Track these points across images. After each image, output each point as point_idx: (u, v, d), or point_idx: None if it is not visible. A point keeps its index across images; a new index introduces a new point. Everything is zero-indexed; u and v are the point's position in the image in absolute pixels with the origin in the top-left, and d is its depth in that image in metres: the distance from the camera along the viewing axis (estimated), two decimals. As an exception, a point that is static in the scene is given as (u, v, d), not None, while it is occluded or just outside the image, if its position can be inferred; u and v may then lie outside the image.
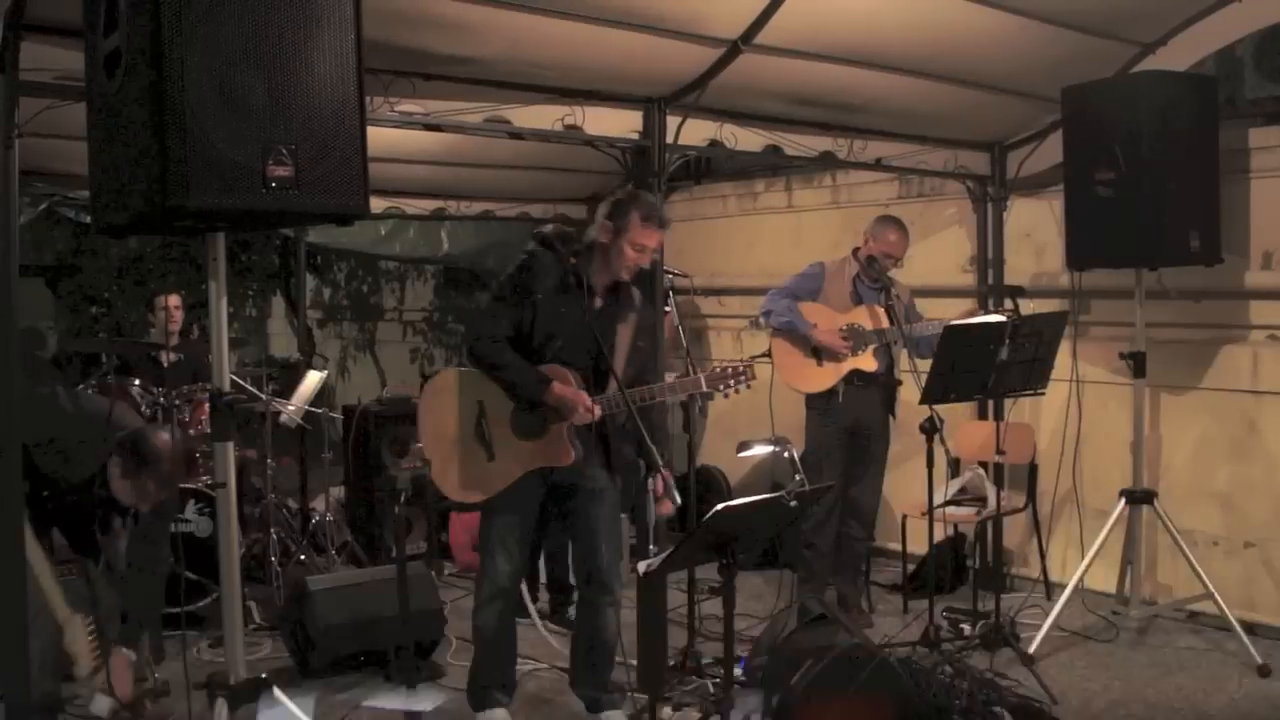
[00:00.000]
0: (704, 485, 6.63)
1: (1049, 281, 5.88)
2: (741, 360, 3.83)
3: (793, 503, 3.20)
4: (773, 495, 3.22)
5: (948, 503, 5.61)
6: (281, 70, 2.65)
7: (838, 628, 3.98)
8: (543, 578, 5.66)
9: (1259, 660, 4.65)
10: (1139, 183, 4.74)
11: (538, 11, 3.97)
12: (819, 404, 5.27)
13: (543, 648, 5.02)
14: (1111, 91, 4.89)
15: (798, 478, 3.55)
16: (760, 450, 4.13)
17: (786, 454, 3.74)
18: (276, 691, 3.23)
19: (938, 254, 6.34)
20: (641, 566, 3.27)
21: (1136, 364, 5.06)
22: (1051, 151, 5.62)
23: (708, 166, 8.01)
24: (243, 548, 5.69)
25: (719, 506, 3.04)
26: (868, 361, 5.20)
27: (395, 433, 6.75)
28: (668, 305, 4.95)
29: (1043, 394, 4.82)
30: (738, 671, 4.06)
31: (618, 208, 3.86)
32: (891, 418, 5.39)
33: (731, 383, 3.78)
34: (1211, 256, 4.90)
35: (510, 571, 4.00)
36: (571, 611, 5.12)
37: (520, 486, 3.90)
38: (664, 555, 3.21)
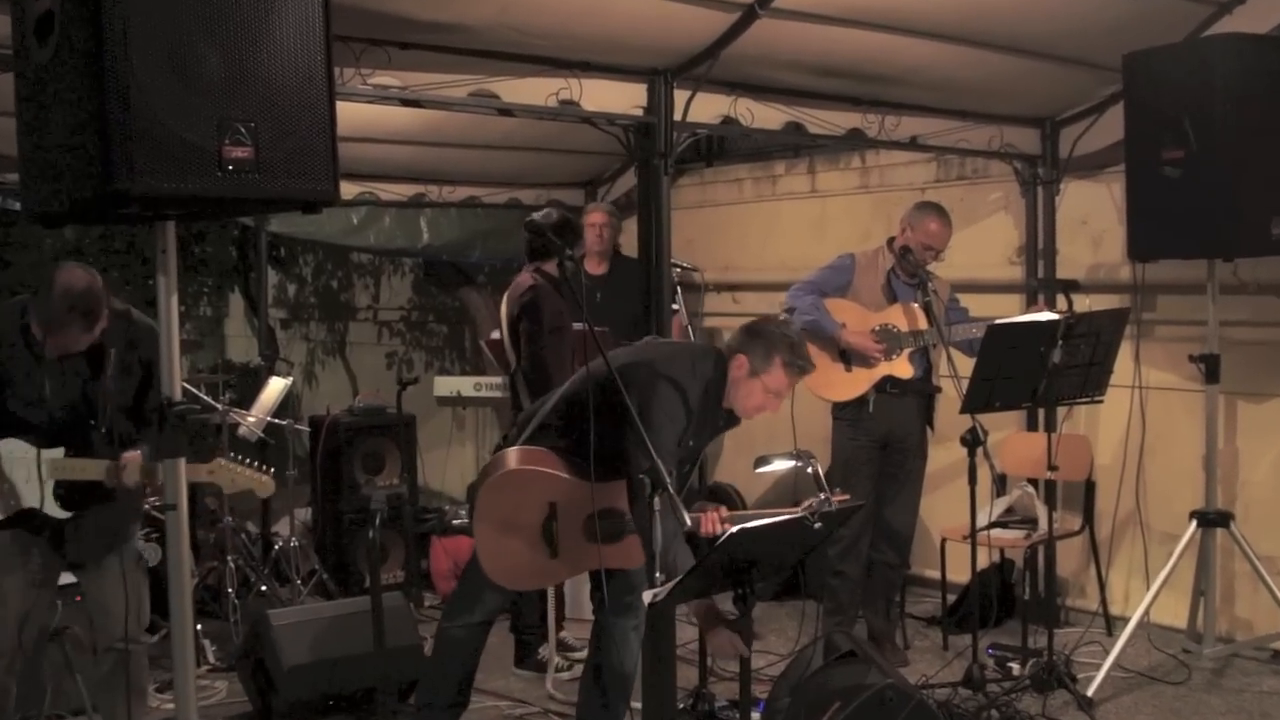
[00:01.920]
0: (718, 504, 6.62)
1: (1107, 274, 5.88)
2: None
3: (817, 524, 3.20)
4: (795, 516, 3.21)
5: (993, 525, 5.60)
6: (239, 37, 2.63)
7: (869, 666, 3.97)
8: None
9: (1350, 705, 4.65)
10: (1211, 161, 4.72)
11: (529, -29, 3.97)
12: (847, 414, 5.27)
13: (536, 689, 5.02)
14: (1180, 58, 4.87)
15: (823, 496, 3.54)
16: (780, 465, 4.12)
17: (810, 470, 3.73)
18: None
19: (981, 244, 6.33)
20: (647, 596, 3.25)
21: (1209, 368, 5.04)
22: (1111, 127, 5.60)
23: (721, 146, 8.01)
24: (196, 578, 5.69)
25: (734, 528, 3.04)
26: (903, 367, 5.20)
27: (369, 447, 6.76)
28: (676, 304, 4.95)
29: (1101, 402, 4.81)
30: (755, 715, 4.05)
31: (757, 343, 3.81)
32: (929, 429, 5.39)
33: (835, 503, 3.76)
34: (1294, 245, 4.90)
35: (495, 606, 4.10)
36: (543, 651, 5.20)
37: None
38: (672, 584, 3.20)
